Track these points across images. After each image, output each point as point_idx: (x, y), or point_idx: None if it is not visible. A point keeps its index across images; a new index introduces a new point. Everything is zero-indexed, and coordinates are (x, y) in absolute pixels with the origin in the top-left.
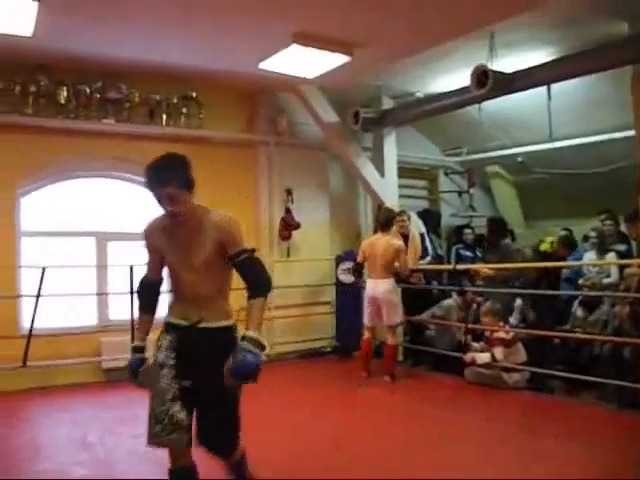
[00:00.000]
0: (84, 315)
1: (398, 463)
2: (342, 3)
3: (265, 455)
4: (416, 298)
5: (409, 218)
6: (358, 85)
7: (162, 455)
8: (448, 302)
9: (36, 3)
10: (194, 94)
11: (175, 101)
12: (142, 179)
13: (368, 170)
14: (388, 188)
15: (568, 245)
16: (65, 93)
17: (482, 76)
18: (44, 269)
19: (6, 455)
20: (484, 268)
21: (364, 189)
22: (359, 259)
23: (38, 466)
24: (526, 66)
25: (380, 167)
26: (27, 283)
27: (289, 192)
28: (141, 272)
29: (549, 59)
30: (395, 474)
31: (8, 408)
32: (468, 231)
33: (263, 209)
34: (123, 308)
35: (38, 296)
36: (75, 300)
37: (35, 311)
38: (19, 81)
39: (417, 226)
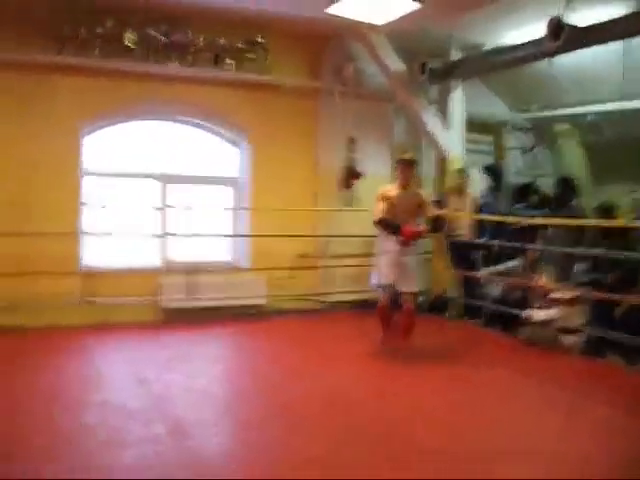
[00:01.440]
0: (146, 256)
1: (450, 422)
2: None
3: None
4: (465, 254)
5: (467, 175)
6: (427, 35)
7: (216, 392)
8: (513, 263)
9: None
10: (260, 39)
11: (240, 46)
12: (203, 122)
13: (433, 123)
14: (453, 142)
15: None
16: (131, 36)
17: (557, 28)
18: (106, 208)
19: (66, 386)
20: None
21: (428, 142)
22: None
23: (96, 397)
24: (600, 20)
25: (445, 120)
26: (89, 221)
27: (352, 141)
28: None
29: (625, 13)
30: (445, 433)
31: (69, 342)
32: (533, 190)
33: (324, 157)
34: (184, 251)
35: (100, 235)
36: (138, 241)
37: (97, 249)
38: (85, 24)
39: (477, 182)
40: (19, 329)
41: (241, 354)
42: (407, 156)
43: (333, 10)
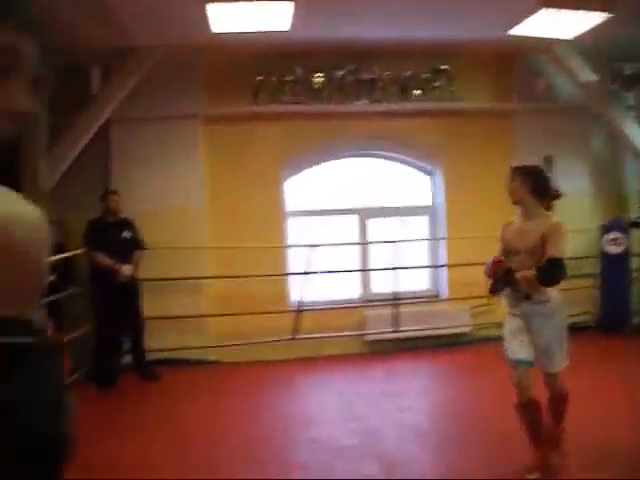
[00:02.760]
0: (348, 290)
1: None
2: None
3: None
4: None
5: None
6: (616, 40)
7: (429, 428)
8: None
9: (292, 3)
10: (444, 67)
11: (425, 76)
12: (394, 154)
13: (634, 131)
14: None
15: None
16: (320, 79)
17: None
18: (312, 247)
19: (279, 421)
20: None
21: (632, 155)
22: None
23: (310, 433)
24: None
25: None
26: (294, 261)
27: (549, 159)
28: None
29: None
30: None
31: (279, 376)
32: None
33: None
34: (384, 283)
35: (306, 273)
36: (339, 276)
37: (303, 287)
38: (276, 72)
39: None
40: (234, 364)
41: (450, 386)
42: (517, 164)
43: (517, 31)
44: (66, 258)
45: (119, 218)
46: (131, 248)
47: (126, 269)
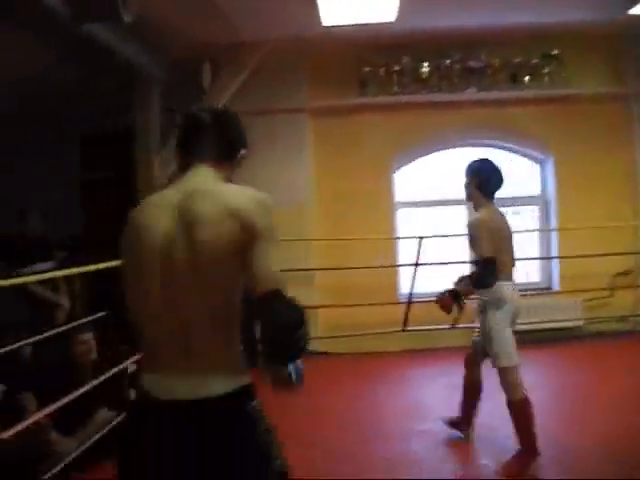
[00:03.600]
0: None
1: None
2: None
3: None
4: None
5: None
6: None
7: (543, 424)
8: None
9: None
10: (555, 52)
11: (536, 61)
12: (503, 143)
13: None
14: None
15: None
16: (426, 69)
17: None
18: (421, 238)
19: (389, 413)
20: None
21: None
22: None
23: (420, 426)
24: None
25: None
26: (405, 252)
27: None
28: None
29: None
30: None
31: (390, 368)
32: None
33: None
34: None
35: (416, 264)
36: (450, 267)
37: (413, 279)
38: (382, 63)
39: None
40: (344, 355)
41: (562, 381)
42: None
43: (636, 10)
44: None
45: None
46: None
47: None
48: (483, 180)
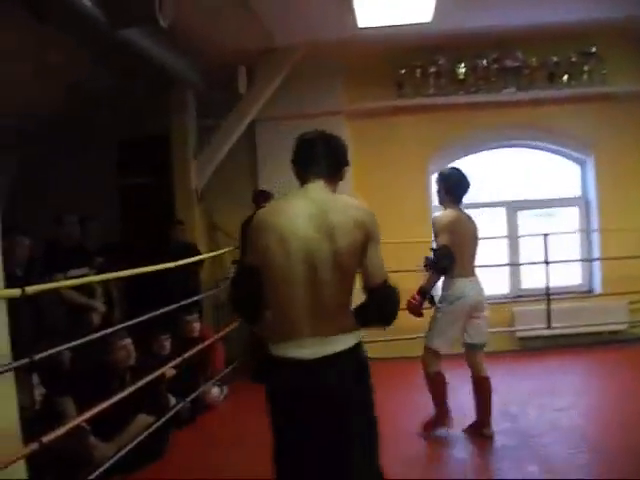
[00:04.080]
0: (498, 285)
1: None
2: None
3: None
4: None
5: None
6: None
7: (588, 429)
8: None
9: None
10: (593, 49)
11: (574, 59)
12: (543, 143)
13: None
14: None
15: None
16: (463, 69)
17: None
18: None
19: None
20: None
21: None
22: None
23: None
24: None
25: None
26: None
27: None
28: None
29: None
30: None
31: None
32: None
33: None
34: (536, 277)
35: None
36: (489, 270)
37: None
38: (419, 64)
39: None
40: (380, 360)
41: (607, 386)
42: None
43: None
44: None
45: None
46: None
47: None
48: (451, 186)
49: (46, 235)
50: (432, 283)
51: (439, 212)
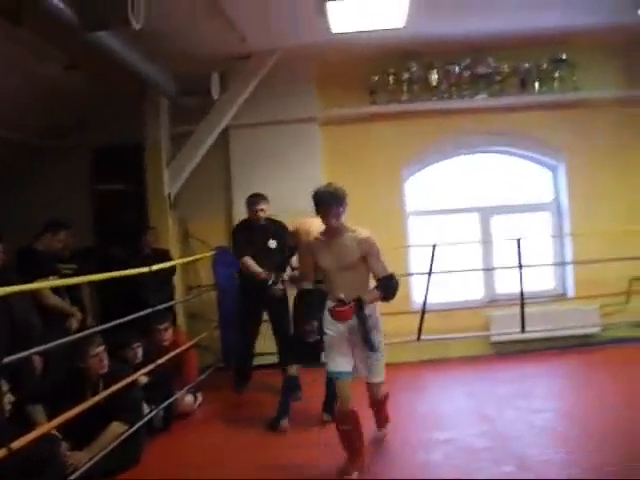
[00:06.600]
0: (472, 290)
1: None
2: None
3: None
4: None
5: None
6: None
7: (562, 430)
8: None
9: None
10: (564, 56)
11: (545, 66)
12: (514, 149)
13: None
14: None
15: None
16: (435, 76)
17: None
18: (434, 247)
19: (408, 423)
20: None
21: None
22: None
23: (440, 436)
24: None
25: None
26: (416, 261)
27: None
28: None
29: None
30: None
31: (406, 378)
32: None
33: None
34: (510, 282)
35: (429, 273)
36: (463, 275)
37: (427, 288)
38: (392, 71)
39: None
40: None
41: (581, 388)
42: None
43: None
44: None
45: (264, 224)
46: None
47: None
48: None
49: (20, 242)
50: (370, 302)
51: (358, 227)
